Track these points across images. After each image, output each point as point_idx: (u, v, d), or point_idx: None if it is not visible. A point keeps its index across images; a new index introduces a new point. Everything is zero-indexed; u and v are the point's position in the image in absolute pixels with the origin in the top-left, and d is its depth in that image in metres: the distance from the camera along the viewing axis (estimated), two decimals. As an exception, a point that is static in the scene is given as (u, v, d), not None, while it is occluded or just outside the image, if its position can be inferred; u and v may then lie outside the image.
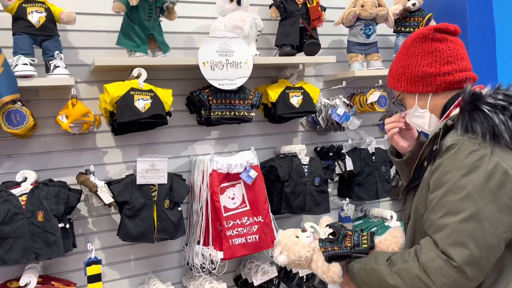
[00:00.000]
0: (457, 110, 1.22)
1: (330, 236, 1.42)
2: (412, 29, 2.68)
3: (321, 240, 1.40)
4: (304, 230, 1.47)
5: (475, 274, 1.08)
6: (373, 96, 2.49)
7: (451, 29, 1.29)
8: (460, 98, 1.23)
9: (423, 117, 1.32)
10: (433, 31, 1.28)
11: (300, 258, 1.39)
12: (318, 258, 1.38)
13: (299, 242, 1.41)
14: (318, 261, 1.38)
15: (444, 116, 1.28)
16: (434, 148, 1.21)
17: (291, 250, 1.40)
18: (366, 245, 1.37)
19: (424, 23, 2.65)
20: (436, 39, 1.28)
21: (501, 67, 2.60)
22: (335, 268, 1.34)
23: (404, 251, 1.24)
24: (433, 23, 2.68)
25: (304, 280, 2.37)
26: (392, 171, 2.69)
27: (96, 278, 1.90)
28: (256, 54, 2.28)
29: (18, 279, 1.92)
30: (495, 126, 1.12)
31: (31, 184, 1.86)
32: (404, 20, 2.68)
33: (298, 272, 2.37)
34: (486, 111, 1.14)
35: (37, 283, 1.85)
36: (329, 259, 1.35)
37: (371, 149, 2.62)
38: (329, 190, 2.45)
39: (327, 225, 1.47)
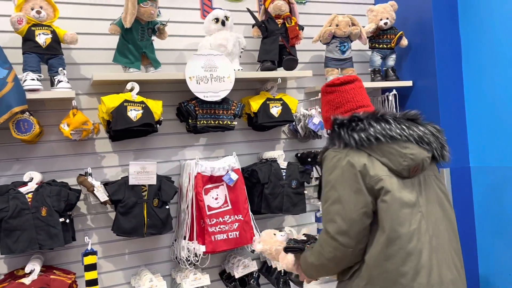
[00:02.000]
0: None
1: (301, 239, 1.84)
2: (385, 45, 2.92)
3: (290, 240, 1.84)
4: (281, 231, 1.99)
5: (347, 241, 1.45)
6: (347, 106, 2.72)
7: (337, 83, 1.67)
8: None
9: None
10: (325, 87, 1.71)
11: (271, 249, 1.87)
12: (281, 253, 1.82)
13: (273, 238, 1.92)
14: (280, 256, 1.82)
15: None
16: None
17: (266, 242, 1.90)
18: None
19: (395, 40, 2.89)
20: (328, 92, 1.69)
21: (467, 78, 2.82)
22: (289, 257, 1.76)
23: None
24: (404, 40, 2.92)
25: (282, 274, 2.59)
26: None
27: (92, 267, 2.15)
28: (238, 69, 2.53)
29: (24, 268, 2.18)
30: (344, 138, 1.53)
31: (36, 184, 2.12)
32: (377, 38, 2.92)
33: (277, 267, 2.59)
34: (337, 130, 1.56)
35: (40, 271, 2.10)
36: (285, 250, 1.78)
37: (347, 155, 2.85)
38: (306, 192, 2.69)
39: (303, 234, 1.94)
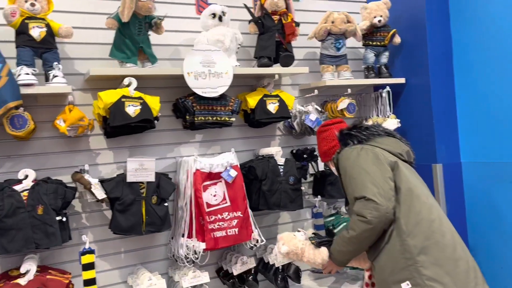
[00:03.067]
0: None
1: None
2: (378, 43, 2.96)
3: (313, 237, 2.00)
4: (299, 231, 2.09)
5: (382, 200, 1.69)
6: (343, 103, 2.75)
7: (330, 123, 2.17)
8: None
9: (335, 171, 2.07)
10: (321, 127, 2.18)
11: (296, 248, 1.96)
12: (309, 251, 1.95)
13: (295, 238, 2.00)
14: (309, 252, 1.94)
15: None
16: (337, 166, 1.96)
17: (291, 242, 1.98)
18: None
19: (389, 37, 2.93)
20: (323, 131, 2.16)
21: (458, 75, 2.89)
22: (324, 250, 1.93)
23: None
24: (397, 38, 2.96)
25: (280, 270, 2.60)
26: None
27: (90, 266, 2.10)
28: (236, 65, 2.52)
29: (18, 268, 2.11)
30: (356, 137, 1.92)
31: (32, 181, 2.05)
32: (371, 35, 2.96)
33: (274, 264, 2.59)
34: (348, 132, 1.96)
35: (36, 272, 2.04)
36: (319, 244, 1.95)
37: (342, 152, 2.87)
38: (303, 188, 2.70)
39: (313, 233, 2.07)
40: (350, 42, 2.96)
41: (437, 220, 1.76)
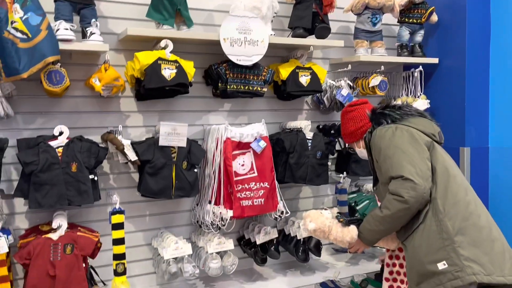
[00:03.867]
0: None
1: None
2: (415, 20, 2.89)
3: (340, 215, 1.98)
4: (325, 209, 2.08)
5: (417, 179, 1.68)
6: (375, 80, 2.70)
7: (356, 103, 2.09)
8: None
9: (362, 153, 2.06)
10: (348, 107, 2.10)
11: (324, 226, 1.93)
12: (337, 229, 1.92)
13: (323, 216, 1.97)
14: (336, 230, 1.92)
15: None
16: (368, 146, 1.94)
17: (318, 220, 1.94)
18: None
19: (426, 15, 2.85)
20: (350, 111, 2.07)
21: (494, 59, 2.82)
22: (354, 229, 1.90)
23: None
24: (434, 16, 2.89)
25: (301, 243, 2.62)
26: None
27: (119, 226, 2.11)
28: (271, 34, 2.47)
29: (48, 223, 2.14)
30: (389, 116, 1.90)
31: (67, 138, 2.05)
32: (408, 12, 2.88)
33: (296, 236, 2.61)
34: (380, 111, 1.94)
35: (66, 228, 2.06)
36: (348, 222, 1.93)
37: (369, 130, 2.85)
38: (329, 163, 2.68)
39: (338, 212, 2.05)
40: (385, 19, 2.88)
41: (473, 201, 1.76)
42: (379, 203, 1.95)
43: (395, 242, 1.96)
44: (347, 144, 2.77)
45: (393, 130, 1.82)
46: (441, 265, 1.66)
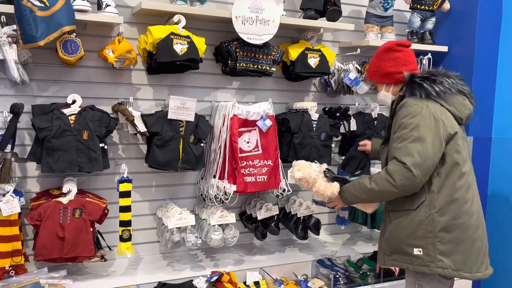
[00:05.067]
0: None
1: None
2: (427, 7, 2.89)
3: (328, 170, 2.04)
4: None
5: (418, 173, 1.71)
6: (383, 65, 2.72)
7: (407, 44, 1.96)
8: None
9: (387, 98, 1.99)
10: (395, 45, 1.94)
11: (310, 176, 2.00)
12: (321, 182, 1.99)
13: (311, 167, 2.05)
14: (320, 183, 1.99)
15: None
16: (393, 110, 1.89)
17: (306, 170, 2.02)
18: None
19: (439, 2, 2.85)
20: (397, 50, 1.93)
21: (503, 49, 2.83)
22: (336, 185, 1.97)
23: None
24: (447, 4, 2.88)
25: (301, 221, 2.69)
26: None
27: (126, 194, 2.19)
28: (283, 14, 2.49)
29: (58, 188, 2.23)
30: (426, 90, 1.80)
31: (79, 107, 2.12)
32: (420, -2, 2.88)
33: (296, 214, 2.68)
34: (419, 81, 1.82)
35: (75, 193, 2.15)
36: (333, 179, 1.99)
37: (374, 114, 2.87)
38: (333, 145, 2.74)
39: (326, 168, 2.10)
40: (397, 4, 2.88)
41: (470, 200, 1.82)
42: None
43: (372, 207, 2.08)
44: (355, 125, 2.79)
45: (423, 108, 1.75)
46: (417, 251, 1.79)
